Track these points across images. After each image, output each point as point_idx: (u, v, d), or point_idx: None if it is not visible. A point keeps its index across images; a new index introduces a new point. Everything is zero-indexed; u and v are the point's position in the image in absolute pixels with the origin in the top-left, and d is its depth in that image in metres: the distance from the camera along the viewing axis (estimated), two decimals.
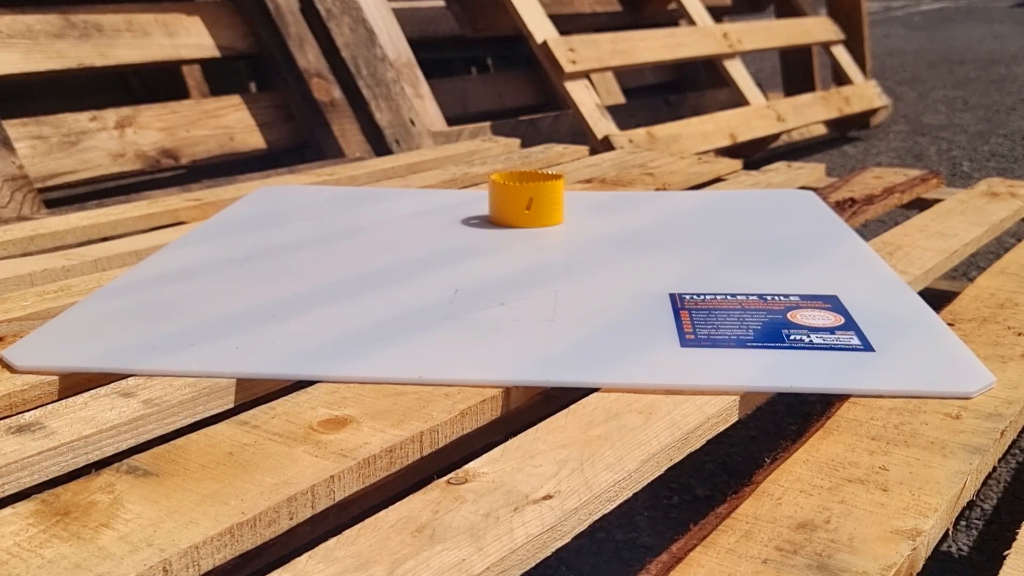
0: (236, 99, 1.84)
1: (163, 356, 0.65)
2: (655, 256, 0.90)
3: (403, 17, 2.19)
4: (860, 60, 2.94)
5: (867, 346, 0.67)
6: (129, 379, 0.61)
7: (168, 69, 1.95)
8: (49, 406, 0.57)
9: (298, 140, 1.89)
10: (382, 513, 0.47)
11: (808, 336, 0.69)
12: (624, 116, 2.29)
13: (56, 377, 0.62)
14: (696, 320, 0.72)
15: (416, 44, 2.12)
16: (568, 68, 1.97)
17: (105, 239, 1.04)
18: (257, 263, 0.88)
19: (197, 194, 1.22)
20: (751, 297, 0.77)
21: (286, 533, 0.49)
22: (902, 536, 0.46)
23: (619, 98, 2.75)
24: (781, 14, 3.03)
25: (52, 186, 1.53)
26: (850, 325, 0.71)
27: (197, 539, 0.44)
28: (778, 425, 1.09)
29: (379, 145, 1.87)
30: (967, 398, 0.61)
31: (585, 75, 2.04)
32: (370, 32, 1.96)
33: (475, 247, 0.93)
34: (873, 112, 2.83)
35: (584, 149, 1.56)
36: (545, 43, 1.98)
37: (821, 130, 2.86)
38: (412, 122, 1.92)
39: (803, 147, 2.73)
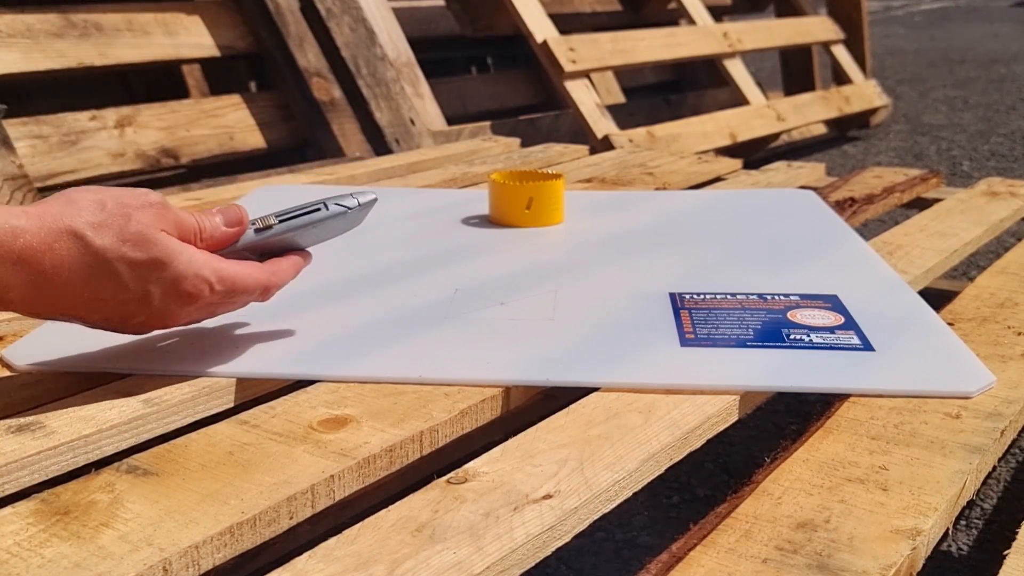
0: (236, 98, 1.84)
1: (163, 356, 0.65)
2: (655, 256, 0.90)
3: (403, 17, 2.19)
4: (860, 60, 2.94)
5: (867, 346, 0.67)
6: (129, 379, 0.61)
7: (168, 69, 1.95)
8: (49, 406, 0.57)
9: (298, 140, 1.89)
10: (382, 512, 0.47)
11: (808, 335, 0.69)
12: (624, 116, 2.29)
13: (56, 376, 0.62)
14: (696, 320, 0.72)
15: (416, 44, 2.12)
16: (568, 67, 1.97)
17: None
18: None
19: (197, 193, 1.22)
20: (751, 297, 0.77)
21: (286, 532, 0.49)
22: (902, 536, 0.46)
23: (619, 98, 2.75)
24: (781, 14, 3.03)
25: (52, 185, 1.53)
26: (850, 324, 0.71)
27: (197, 538, 0.44)
28: (778, 425, 1.09)
29: (379, 145, 1.87)
30: (967, 398, 0.61)
31: (585, 74, 2.04)
32: (370, 31, 1.96)
33: (475, 247, 0.93)
34: (873, 111, 2.83)
35: (584, 149, 1.56)
36: (545, 42, 1.98)
37: (821, 129, 2.86)
38: (412, 121, 1.92)
39: (803, 147, 2.73)
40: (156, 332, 0.68)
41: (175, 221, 0.57)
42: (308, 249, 0.66)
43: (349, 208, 0.64)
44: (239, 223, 0.61)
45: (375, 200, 0.66)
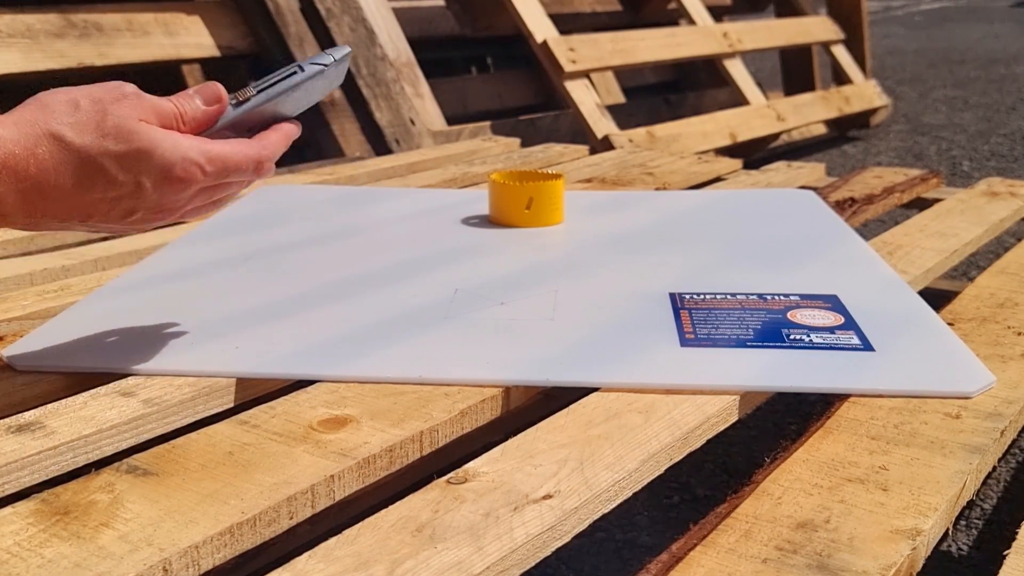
0: None
1: (163, 356, 0.65)
2: (655, 256, 0.90)
3: (403, 17, 2.19)
4: (860, 60, 2.94)
5: (867, 346, 0.67)
6: (129, 379, 0.61)
7: (168, 69, 1.95)
8: (49, 406, 0.57)
9: (298, 140, 1.88)
10: (382, 512, 0.47)
11: (808, 335, 0.69)
12: (624, 116, 2.29)
13: (56, 376, 0.62)
14: (696, 320, 0.72)
15: (416, 44, 2.12)
16: (568, 68, 1.97)
17: (105, 239, 1.04)
18: (257, 263, 0.88)
19: None
20: (751, 297, 0.77)
21: (286, 532, 0.49)
22: (902, 536, 0.46)
23: (619, 98, 2.75)
24: (781, 14, 3.03)
25: None
26: (850, 325, 0.71)
27: (197, 538, 0.44)
28: (778, 425, 1.09)
29: (379, 145, 1.87)
30: (967, 398, 0.61)
31: (585, 75, 2.04)
32: (370, 32, 1.96)
33: (475, 247, 0.93)
34: (873, 112, 2.83)
35: (584, 149, 1.56)
36: (545, 42, 1.98)
37: (821, 130, 2.86)
38: (412, 122, 1.92)
39: (803, 147, 2.73)
40: (156, 325, 0.68)
41: (153, 108, 0.55)
42: (294, 117, 0.63)
43: (326, 65, 0.62)
44: (218, 100, 0.58)
45: (349, 53, 0.64)
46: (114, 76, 1.91)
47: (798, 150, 2.67)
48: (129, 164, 0.53)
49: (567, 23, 2.43)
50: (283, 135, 0.61)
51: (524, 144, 1.62)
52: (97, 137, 0.52)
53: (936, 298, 0.83)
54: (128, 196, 0.54)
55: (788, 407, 1.13)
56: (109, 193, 0.54)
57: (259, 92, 0.60)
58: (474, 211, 1.07)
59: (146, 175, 0.54)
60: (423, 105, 2.02)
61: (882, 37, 5.83)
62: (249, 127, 0.60)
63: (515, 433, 0.56)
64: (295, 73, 0.60)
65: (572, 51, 2.00)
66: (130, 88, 0.55)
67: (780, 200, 1.12)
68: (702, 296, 0.77)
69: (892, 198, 1.19)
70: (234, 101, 0.60)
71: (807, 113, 2.48)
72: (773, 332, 0.69)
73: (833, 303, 0.75)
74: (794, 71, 3.00)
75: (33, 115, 0.52)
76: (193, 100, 0.58)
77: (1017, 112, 3.26)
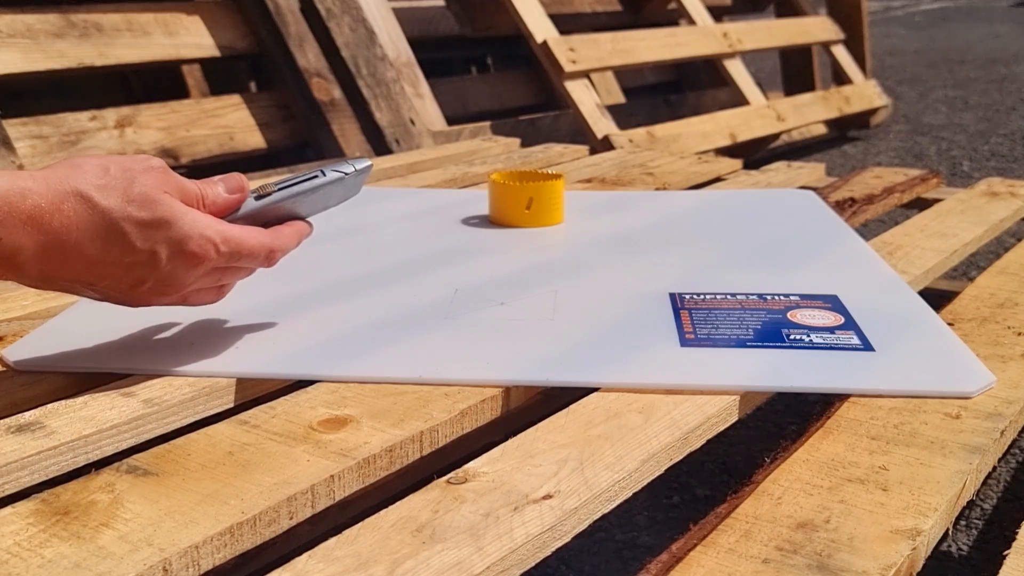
0: (236, 99, 1.84)
1: (163, 356, 0.65)
2: (655, 256, 0.90)
3: (403, 17, 2.19)
4: (860, 60, 2.94)
5: (867, 346, 0.67)
6: (129, 379, 0.61)
7: (168, 69, 1.95)
8: (49, 405, 0.57)
9: (298, 140, 1.89)
10: (382, 513, 0.47)
11: (808, 336, 0.69)
12: (624, 116, 2.29)
13: (56, 376, 0.62)
14: (696, 320, 0.72)
15: (416, 44, 2.12)
16: (568, 68, 1.97)
17: None
18: None
19: None
20: (751, 297, 0.77)
21: (286, 533, 0.49)
22: (902, 536, 0.46)
23: (619, 98, 2.75)
24: (781, 14, 3.03)
25: None
26: (850, 325, 0.71)
27: (197, 539, 0.44)
28: (778, 425, 1.09)
29: (379, 145, 1.87)
30: (967, 398, 0.61)
31: (585, 75, 2.04)
32: (370, 32, 1.96)
33: (475, 247, 0.93)
34: (873, 112, 2.83)
35: (584, 149, 1.56)
36: (545, 43, 1.98)
37: (821, 130, 2.86)
38: (412, 122, 1.92)
39: (803, 147, 2.73)
40: (156, 325, 0.68)
41: (177, 186, 0.57)
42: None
43: (346, 174, 0.65)
44: (240, 190, 0.61)
45: (370, 166, 0.67)
46: (114, 76, 1.91)
47: (798, 150, 2.67)
48: (148, 232, 0.55)
49: (567, 23, 2.43)
50: (296, 231, 0.64)
51: (524, 144, 1.62)
52: (122, 202, 0.54)
53: (936, 298, 0.83)
54: (142, 264, 0.56)
55: (788, 407, 1.13)
56: (125, 258, 0.55)
57: (280, 189, 0.63)
58: (474, 211, 1.07)
59: (163, 245, 0.55)
60: (423, 105, 2.02)
61: (882, 37, 5.83)
62: (264, 221, 0.63)
63: (515, 433, 0.56)
64: (316, 177, 0.64)
65: (572, 51, 2.00)
66: (158, 162, 0.57)
67: (780, 200, 1.12)
68: (702, 296, 0.77)
69: (892, 198, 1.19)
70: (255, 194, 0.62)
71: (807, 113, 2.48)
72: (773, 332, 0.69)
73: (833, 303, 0.75)
74: (794, 71, 3.00)
75: (64, 173, 0.53)
76: (216, 186, 0.60)
77: (1017, 112, 3.26)
